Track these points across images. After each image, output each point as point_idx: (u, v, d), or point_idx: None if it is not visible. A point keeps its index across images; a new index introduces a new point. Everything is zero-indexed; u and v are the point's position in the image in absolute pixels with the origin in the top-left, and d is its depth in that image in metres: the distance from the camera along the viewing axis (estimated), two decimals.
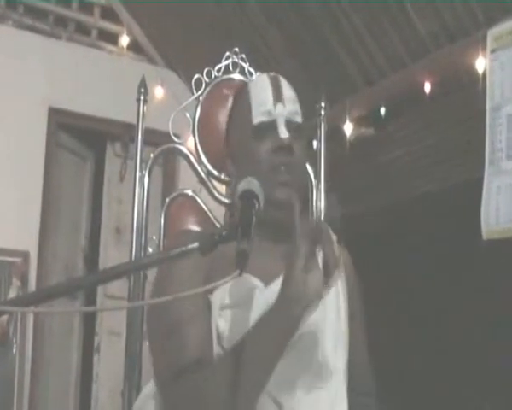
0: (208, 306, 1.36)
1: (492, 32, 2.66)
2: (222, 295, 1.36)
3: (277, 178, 1.43)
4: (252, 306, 1.36)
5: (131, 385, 1.80)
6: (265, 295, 1.36)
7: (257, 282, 1.40)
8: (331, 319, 1.45)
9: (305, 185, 1.53)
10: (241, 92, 1.58)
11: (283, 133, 1.45)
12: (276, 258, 1.42)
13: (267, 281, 1.40)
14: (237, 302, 1.36)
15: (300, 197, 1.53)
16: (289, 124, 1.47)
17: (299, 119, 1.50)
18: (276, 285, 1.34)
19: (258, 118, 1.47)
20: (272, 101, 1.48)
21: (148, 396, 1.44)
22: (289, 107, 1.49)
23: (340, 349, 1.46)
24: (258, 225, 1.43)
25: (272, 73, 1.55)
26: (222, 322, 1.35)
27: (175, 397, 1.30)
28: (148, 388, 1.45)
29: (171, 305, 1.30)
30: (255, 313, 1.33)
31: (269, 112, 1.47)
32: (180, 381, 1.28)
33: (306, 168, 1.51)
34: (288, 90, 1.52)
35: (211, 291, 1.35)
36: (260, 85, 1.52)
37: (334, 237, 1.57)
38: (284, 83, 1.53)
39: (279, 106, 1.47)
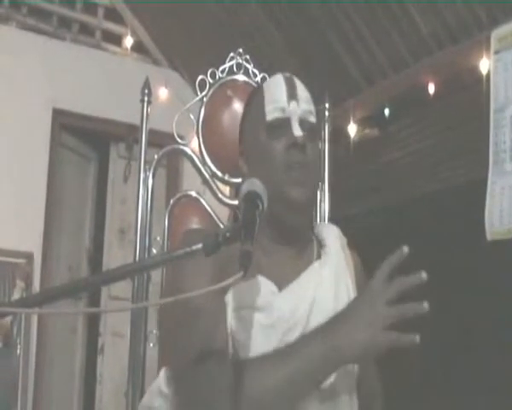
0: (223, 305, 1.35)
1: (496, 33, 2.66)
2: (236, 296, 1.35)
3: (291, 177, 1.41)
4: (267, 310, 1.35)
5: (135, 386, 1.80)
6: (280, 299, 1.36)
7: (272, 286, 1.38)
8: None
9: (317, 185, 1.51)
10: (255, 91, 1.57)
11: (297, 131, 1.43)
12: (288, 259, 1.44)
13: (281, 284, 1.39)
14: (252, 305, 1.35)
15: (313, 197, 1.52)
16: (303, 123, 1.45)
17: (313, 119, 1.48)
18: (290, 290, 1.38)
19: (271, 114, 1.45)
20: (286, 98, 1.46)
21: (155, 393, 1.44)
22: (303, 106, 1.47)
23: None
24: (270, 225, 1.43)
25: (287, 74, 1.52)
26: (235, 323, 1.34)
27: (188, 386, 1.29)
28: (156, 385, 1.44)
29: (184, 301, 1.29)
30: (270, 318, 1.34)
31: (282, 108, 1.45)
32: (193, 371, 1.27)
33: (319, 168, 1.49)
34: (302, 90, 1.50)
35: (225, 291, 1.35)
36: (274, 83, 1.50)
37: (345, 240, 1.56)
38: (299, 83, 1.51)
39: (293, 103, 1.45)
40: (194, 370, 1.27)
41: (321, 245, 1.52)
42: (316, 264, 1.46)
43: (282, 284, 1.39)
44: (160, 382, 1.42)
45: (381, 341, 1.21)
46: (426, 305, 1.18)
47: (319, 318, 1.33)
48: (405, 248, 1.22)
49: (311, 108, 1.49)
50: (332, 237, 1.53)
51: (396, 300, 1.22)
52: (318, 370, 1.26)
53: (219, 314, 1.34)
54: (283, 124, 1.44)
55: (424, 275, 1.20)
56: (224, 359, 1.29)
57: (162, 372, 1.42)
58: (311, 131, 1.47)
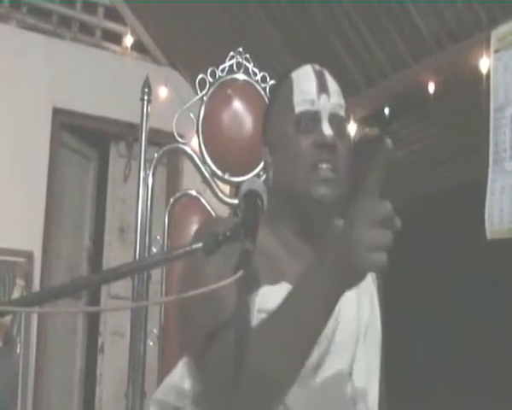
0: (246, 303, 1.29)
1: (496, 33, 2.66)
2: (261, 298, 1.31)
3: (318, 176, 1.37)
4: None
5: (135, 386, 1.80)
6: None
7: None
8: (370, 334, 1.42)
9: (345, 184, 1.44)
10: (282, 79, 1.49)
11: (327, 130, 1.38)
12: (310, 260, 1.37)
13: None
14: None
15: (339, 196, 1.43)
16: (333, 117, 1.41)
17: (343, 112, 1.44)
18: None
19: (300, 106, 1.40)
20: (316, 90, 1.41)
21: (169, 388, 1.41)
22: (334, 99, 1.42)
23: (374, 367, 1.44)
24: (295, 220, 1.41)
25: (317, 66, 1.47)
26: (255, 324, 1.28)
27: (209, 362, 1.23)
28: (170, 379, 1.42)
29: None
30: None
31: (312, 101, 1.40)
32: (214, 346, 1.22)
33: (348, 167, 1.42)
34: (332, 83, 1.45)
35: (249, 292, 1.30)
36: (304, 75, 1.45)
37: None
38: (328, 75, 1.46)
39: (323, 97, 1.41)
40: (214, 346, 1.22)
41: None
42: None
43: None
44: (174, 377, 1.40)
45: (365, 260, 1.06)
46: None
47: (343, 333, 1.33)
48: (388, 142, 1.08)
49: (342, 101, 1.45)
50: None
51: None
52: (316, 306, 1.15)
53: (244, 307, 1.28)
54: (312, 118, 1.40)
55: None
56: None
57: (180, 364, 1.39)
58: (341, 126, 1.43)
